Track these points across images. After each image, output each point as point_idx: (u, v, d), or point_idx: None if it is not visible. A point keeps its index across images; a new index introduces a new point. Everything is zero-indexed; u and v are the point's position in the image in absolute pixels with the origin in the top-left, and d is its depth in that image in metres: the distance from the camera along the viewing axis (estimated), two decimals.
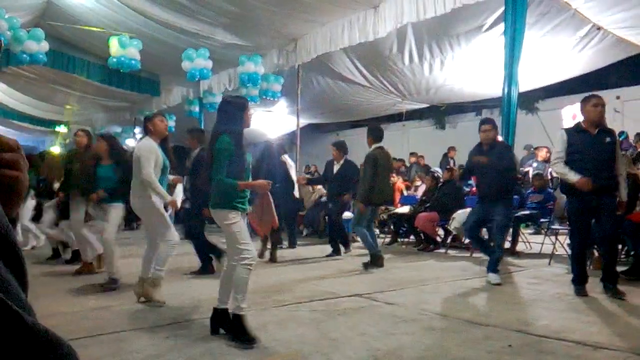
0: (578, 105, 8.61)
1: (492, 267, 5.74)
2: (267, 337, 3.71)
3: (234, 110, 3.87)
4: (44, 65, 10.43)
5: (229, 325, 3.72)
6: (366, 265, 6.65)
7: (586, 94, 5.38)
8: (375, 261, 6.68)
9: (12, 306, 0.52)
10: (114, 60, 9.63)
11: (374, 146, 6.83)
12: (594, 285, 5.14)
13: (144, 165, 4.84)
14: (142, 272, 4.93)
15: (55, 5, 9.84)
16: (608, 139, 5.05)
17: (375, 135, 6.94)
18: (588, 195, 4.92)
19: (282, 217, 7.89)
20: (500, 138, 6.31)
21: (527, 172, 10.75)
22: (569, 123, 8.51)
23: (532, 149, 12.11)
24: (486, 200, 5.88)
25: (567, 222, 7.46)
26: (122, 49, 9.51)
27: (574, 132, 5.20)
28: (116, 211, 5.71)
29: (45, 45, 9.42)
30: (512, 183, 6.08)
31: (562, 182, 5.33)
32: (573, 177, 4.99)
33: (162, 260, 4.89)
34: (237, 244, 3.72)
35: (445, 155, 14.25)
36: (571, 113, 8.58)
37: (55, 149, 18.53)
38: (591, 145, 5.03)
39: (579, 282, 5.09)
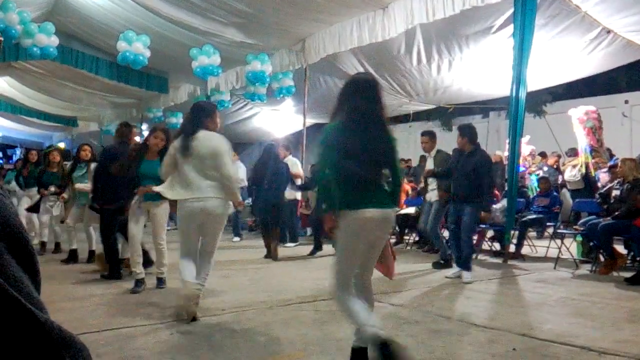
0: (582, 108, 8.58)
1: (465, 265, 5.99)
2: (271, 337, 3.72)
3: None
4: (54, 60, 10.47)
5: None
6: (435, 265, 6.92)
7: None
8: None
9: (25, 304, 0.53)
10: (120, 56, 9.66)
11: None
12: (600, 289, 5.12)
13: (230, 161, 4.24)
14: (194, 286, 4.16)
15: (65, 1, 9.87)
16: None
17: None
18: None
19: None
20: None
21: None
22: (576, 125, 8.46)
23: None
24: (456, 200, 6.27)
25: (573, 226, 7.45)
26: (128, 45, 9.54)
27: None
28: (164, 211, 5.22)
29: (55, 40, 9.45)
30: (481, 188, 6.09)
31: None
32: None
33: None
34: None
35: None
36: (577, 115, 8.49)
37: (62, 144, 18.62)
38: None
39: None
